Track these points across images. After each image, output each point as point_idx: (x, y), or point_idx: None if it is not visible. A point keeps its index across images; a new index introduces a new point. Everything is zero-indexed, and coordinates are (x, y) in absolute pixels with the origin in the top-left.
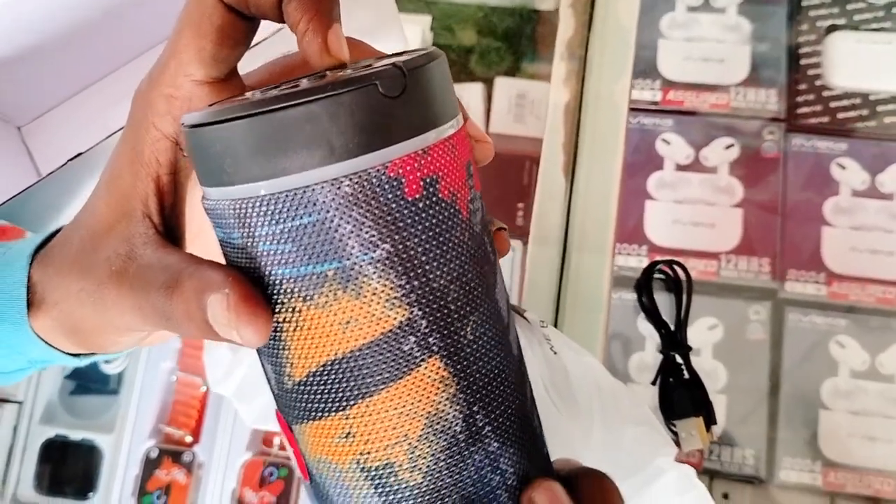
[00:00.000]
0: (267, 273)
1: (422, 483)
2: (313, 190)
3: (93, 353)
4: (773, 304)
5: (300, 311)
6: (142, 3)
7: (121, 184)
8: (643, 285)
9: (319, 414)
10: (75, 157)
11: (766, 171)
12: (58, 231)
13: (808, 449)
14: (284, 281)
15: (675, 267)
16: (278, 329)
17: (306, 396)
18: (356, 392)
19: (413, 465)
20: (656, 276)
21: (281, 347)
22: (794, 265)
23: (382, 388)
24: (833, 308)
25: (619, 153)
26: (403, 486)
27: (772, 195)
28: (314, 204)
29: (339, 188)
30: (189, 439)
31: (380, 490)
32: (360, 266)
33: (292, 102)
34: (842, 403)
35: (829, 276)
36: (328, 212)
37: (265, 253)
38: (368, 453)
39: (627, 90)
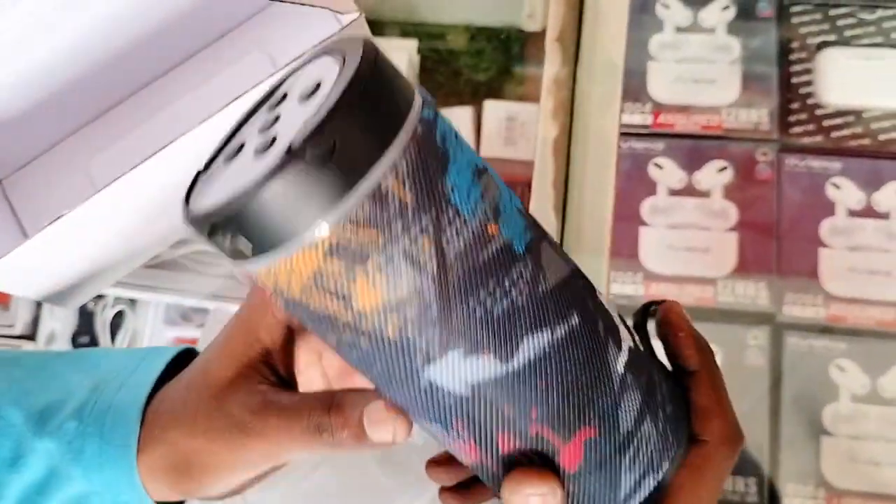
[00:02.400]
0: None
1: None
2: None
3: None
4: (771, 328)
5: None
6: (122, 52)
7: (236, 353)
8: (639, 326)
9: None
10: (59, 217)
11: (761, 193)
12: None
13: (811, 476)
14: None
15: None
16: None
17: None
18: None
19: None
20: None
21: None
22: (792, 288)
23: None
24: (832, 331)
25: (611, 184)
26: None
27: (767, 217)
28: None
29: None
30: None
31: None
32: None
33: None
34: (844, 428)
35: (828, 299)
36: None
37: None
38: None
39: (617, 122)
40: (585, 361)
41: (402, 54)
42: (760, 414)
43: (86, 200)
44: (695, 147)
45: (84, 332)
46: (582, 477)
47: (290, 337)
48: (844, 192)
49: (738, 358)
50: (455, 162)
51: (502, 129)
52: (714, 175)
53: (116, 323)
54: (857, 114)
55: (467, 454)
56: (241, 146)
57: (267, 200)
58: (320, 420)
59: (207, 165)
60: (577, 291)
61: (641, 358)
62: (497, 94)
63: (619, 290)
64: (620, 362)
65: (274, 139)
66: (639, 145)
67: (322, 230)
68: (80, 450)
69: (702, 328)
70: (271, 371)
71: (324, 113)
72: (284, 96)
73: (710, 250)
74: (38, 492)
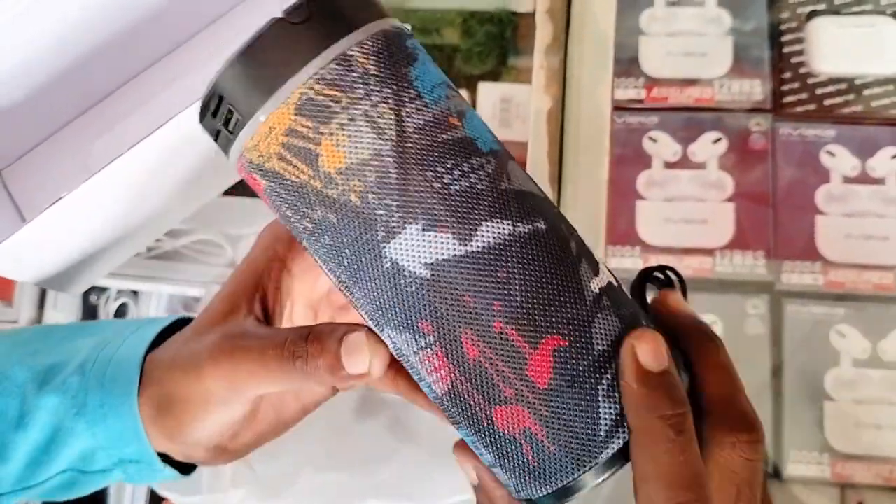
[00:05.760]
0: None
1: None
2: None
3: (176, 469)
4: (770, 296)
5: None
6: (117, 40)
7: (237, 289)
8: (636, 293)
9: None
10: (57, 200)
11: (756, 163)
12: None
13: (814, 441)
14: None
15: (668, 272)
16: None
17: None
18: None
19: None
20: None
21: None
22: (790, 256)
23: None
24: (831, 297)
25: (605, 158)
26: None
27: (762, 187)
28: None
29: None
30: None
31: None
32: None
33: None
34: (846, 393)
35: (825, 265)
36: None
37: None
38: None
39: (609, 94)
40: (551, 266)
41: None
42: (763, 382)
43: (82, 184)
44: (689, 120)
45: None
46: (555, 395)
47: (287, 288)
48: (839, 160)
49: (739, 327)
50: (423, 64)
51: (497, 111)
52: (709, 147)
53: (120, 315)
54: (850, 81)
55: (438, 375)
56: None
57: (251, 56)
58: (296, 347)
59: None
60: (546, 210)
61: (625, 297)
62: (492, 76)
63: (617, 263)
64: (595, 283)
65: None
66: (633, 120)
67: (295, 83)
68: (82, 403)
69: (701, 299)
70: (262, 307)
71: None
72: None
73: (707, 221)
74: (44, 451)
